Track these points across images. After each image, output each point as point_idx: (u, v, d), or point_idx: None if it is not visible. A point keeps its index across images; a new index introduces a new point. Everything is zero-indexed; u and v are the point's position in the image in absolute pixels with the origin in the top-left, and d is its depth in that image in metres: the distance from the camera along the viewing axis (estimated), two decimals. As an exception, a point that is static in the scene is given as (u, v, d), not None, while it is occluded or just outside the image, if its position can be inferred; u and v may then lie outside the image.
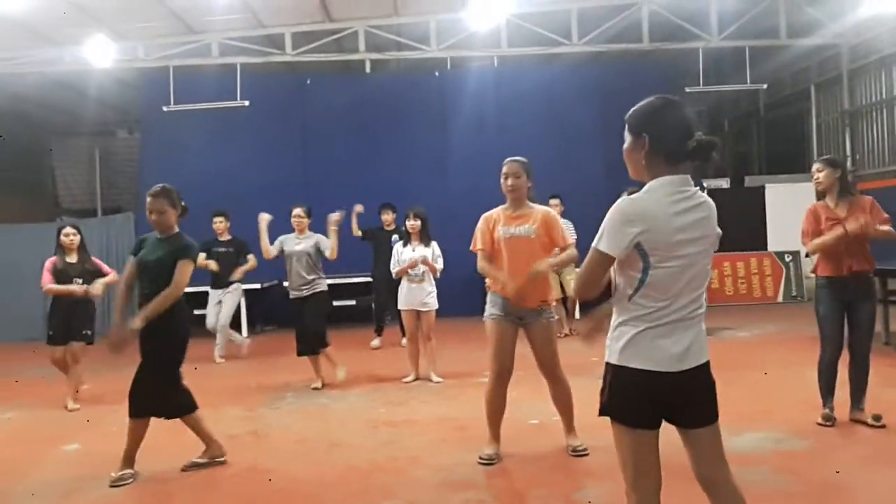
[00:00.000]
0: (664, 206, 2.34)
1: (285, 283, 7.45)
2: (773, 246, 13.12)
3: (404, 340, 9.32)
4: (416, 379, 7.33)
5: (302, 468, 4.72)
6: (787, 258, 13.00)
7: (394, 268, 7.48)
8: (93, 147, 17.16)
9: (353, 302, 9.99)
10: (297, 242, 7.18)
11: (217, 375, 8.19)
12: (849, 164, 13.16)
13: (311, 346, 7.17)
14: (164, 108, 11.87)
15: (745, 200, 13.32)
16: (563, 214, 8.50)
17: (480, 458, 4.64)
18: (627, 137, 2.49)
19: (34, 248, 11.87)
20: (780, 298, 12.97)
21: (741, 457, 4.47)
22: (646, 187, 2.42)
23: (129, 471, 4.58)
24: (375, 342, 9.64)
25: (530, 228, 4.63)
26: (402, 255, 7.41)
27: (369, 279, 10.16)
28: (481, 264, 4.76)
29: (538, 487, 4.18)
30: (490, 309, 4.72)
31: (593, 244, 2.38)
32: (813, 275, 5.30)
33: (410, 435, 5.42)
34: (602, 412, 2.49)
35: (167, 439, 5.38)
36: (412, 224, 7.41)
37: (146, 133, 13.10)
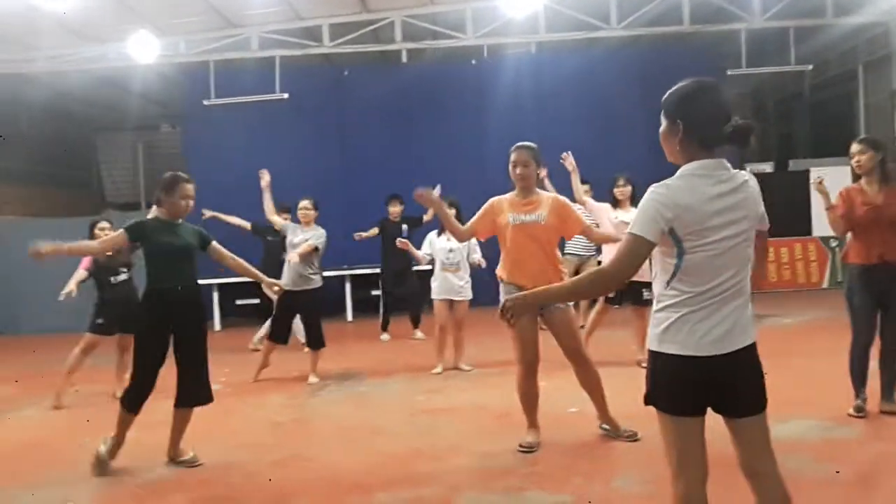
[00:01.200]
0: (697, 191, 2.33)
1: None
2: (818, 231, 12.82)
3: (419, 333, 9.35)
4: (444, 370, 7.30)
5: (344, 455, 4.78)
6: (833, 243, 12.70)
7: (426, 257, 7.43)
8: (136, 142, 17.50)
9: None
10: (297, 235, 7.15)
11: (258, 364, 8.30)
12: (898, 145, 12.80)
13: (315, 342, 7.20)
14: (205, 102, 12.04)
15: (789, 184, 13.01)
16: (596, 200, 8.36)
17: (521, 445, 4.65)
18: (663, 122, 2.48)
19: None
20: (825, 284, 12.71)
21: (786, 444, 4.39)
22: (678, 172, 2.40)
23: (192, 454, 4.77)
24: (385, 336, 9.58)
25: (541, 214, 4.63)
26: (436, 244, 7.39)
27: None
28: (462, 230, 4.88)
29: (578, 475, 4.18)
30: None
31: (628, 230, 2.37)
32: (844, 261, 5.12)
33: (450, 422, 5.45)
34: (646, 401, 2.47)
35: (211, 426, 5.50)
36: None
37: (188, 127, 13.32)
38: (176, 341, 4.68)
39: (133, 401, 4.65)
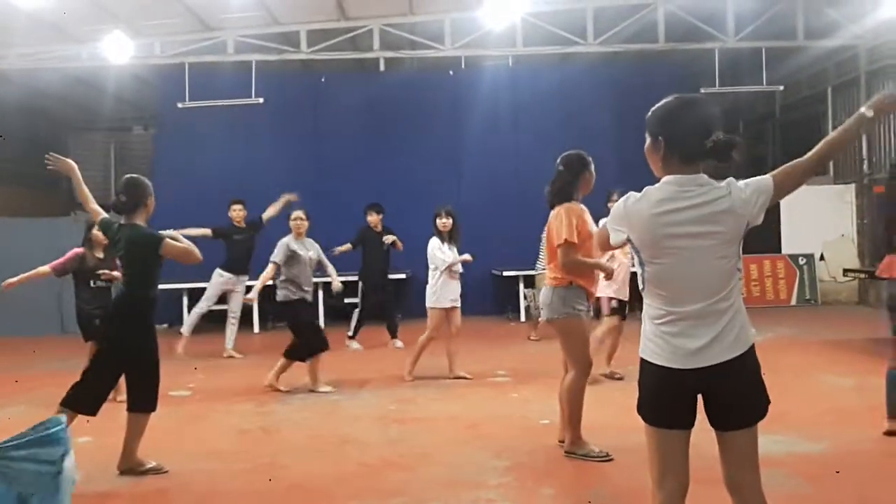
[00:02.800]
0: (652, 205, 2.37)
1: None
2: (787, 249, 13.03)
3: (399, 342, 9.32)
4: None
5: (313, 464, 4.73)
6: (801, 261, 12.92)
7: (441, 265, 7.26)
8: (109, 142, 17.30)
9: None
10: (307, 250, 7.09)
11: (228, 371, 8.22)
12: (865, 167, 13.06)
13: (322, 346, 7.07)
14: (180, 105, 11.93)
15: (759, 202, 13.22)
16: None
17: (596, 455, 4.53)
18: (647, 139, 2.51)
19: (49, 242, 11.92)
20: (793, 301, 12.90)
21: (754, 459, 4.44)
22: (651, 186, 2.44)
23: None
24: (355, 345, 9.41)
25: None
26: (448, 252, 7.26)
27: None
28: (574, 258, 4.50)
29: (548, 486, 4.18)
30: (577, 306, 4.59)
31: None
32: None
33: (420, 432, 5.42)
34: (637, 409, 2.50)
35: (177, 433, 5.42)
36: (444, 222, 7.33)
37: (161, 129, 13.20)
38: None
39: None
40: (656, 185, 2.43)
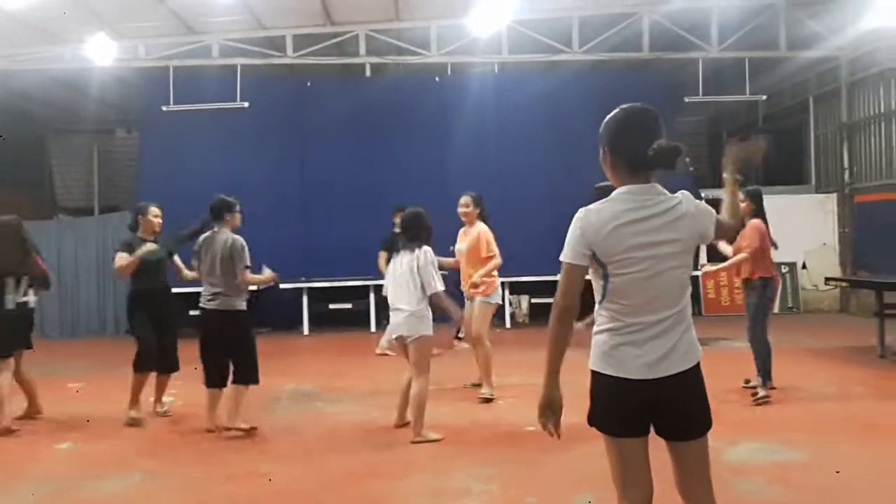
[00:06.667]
0: (614, 216, 2.37)
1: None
2: (769, 257, 13.12)
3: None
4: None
5: (298, 472, 4.71)
6: (784, 269, 13.01)
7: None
8: (91, 145, 17.15)
9: (349, 305, 9.92)
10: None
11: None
12: (846, 176, 13.21)
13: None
14: (164, 108, 11.86)
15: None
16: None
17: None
18: (599, 150, 2.54)
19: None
20: (775, 310, 12.97)
21: (736, 467, 4.47)
22: (607, 197, 2.44)
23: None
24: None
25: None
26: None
27: (364, 283, 9.88)
28: None
29: (533, 494, 4.18)
30: None
31: (561, 257, 2.43)
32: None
33: (405, 440, 5.40)
34: (588, 421, 2.50)
35: (161, 439, 5.38)
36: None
37: (145, 132, 13.10)
38: None
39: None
40: (612, 197, 2.43)
